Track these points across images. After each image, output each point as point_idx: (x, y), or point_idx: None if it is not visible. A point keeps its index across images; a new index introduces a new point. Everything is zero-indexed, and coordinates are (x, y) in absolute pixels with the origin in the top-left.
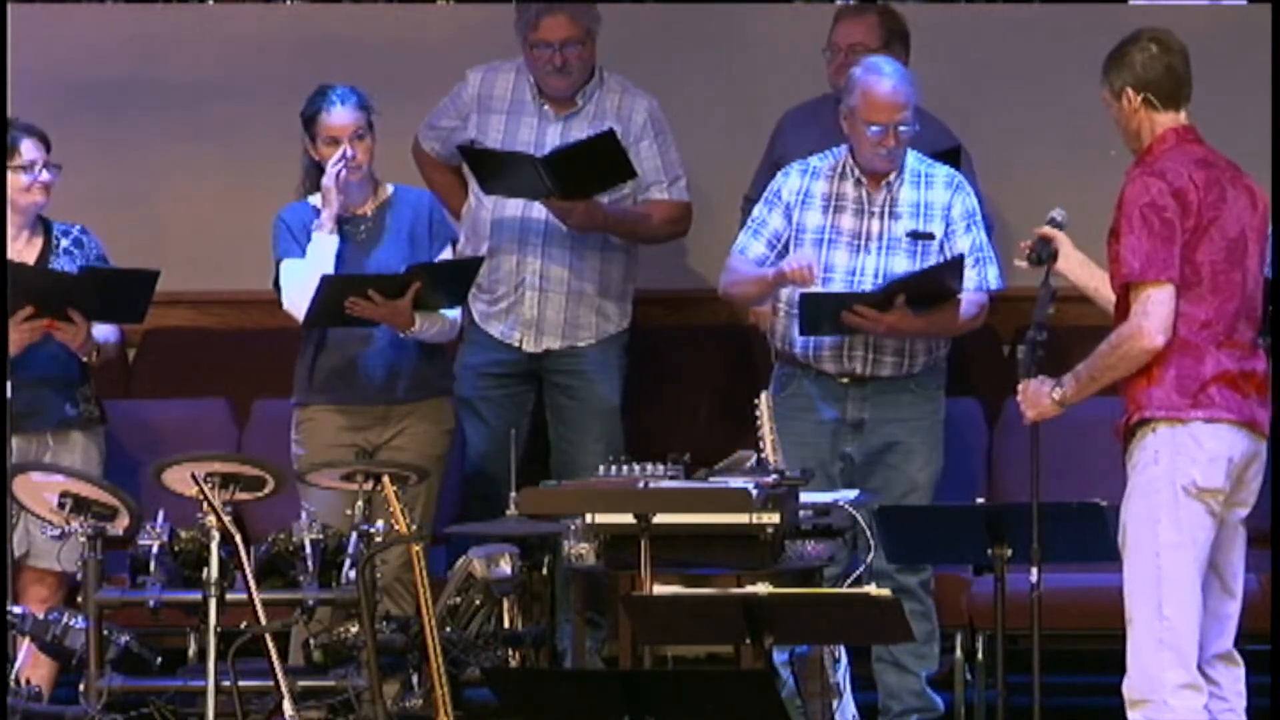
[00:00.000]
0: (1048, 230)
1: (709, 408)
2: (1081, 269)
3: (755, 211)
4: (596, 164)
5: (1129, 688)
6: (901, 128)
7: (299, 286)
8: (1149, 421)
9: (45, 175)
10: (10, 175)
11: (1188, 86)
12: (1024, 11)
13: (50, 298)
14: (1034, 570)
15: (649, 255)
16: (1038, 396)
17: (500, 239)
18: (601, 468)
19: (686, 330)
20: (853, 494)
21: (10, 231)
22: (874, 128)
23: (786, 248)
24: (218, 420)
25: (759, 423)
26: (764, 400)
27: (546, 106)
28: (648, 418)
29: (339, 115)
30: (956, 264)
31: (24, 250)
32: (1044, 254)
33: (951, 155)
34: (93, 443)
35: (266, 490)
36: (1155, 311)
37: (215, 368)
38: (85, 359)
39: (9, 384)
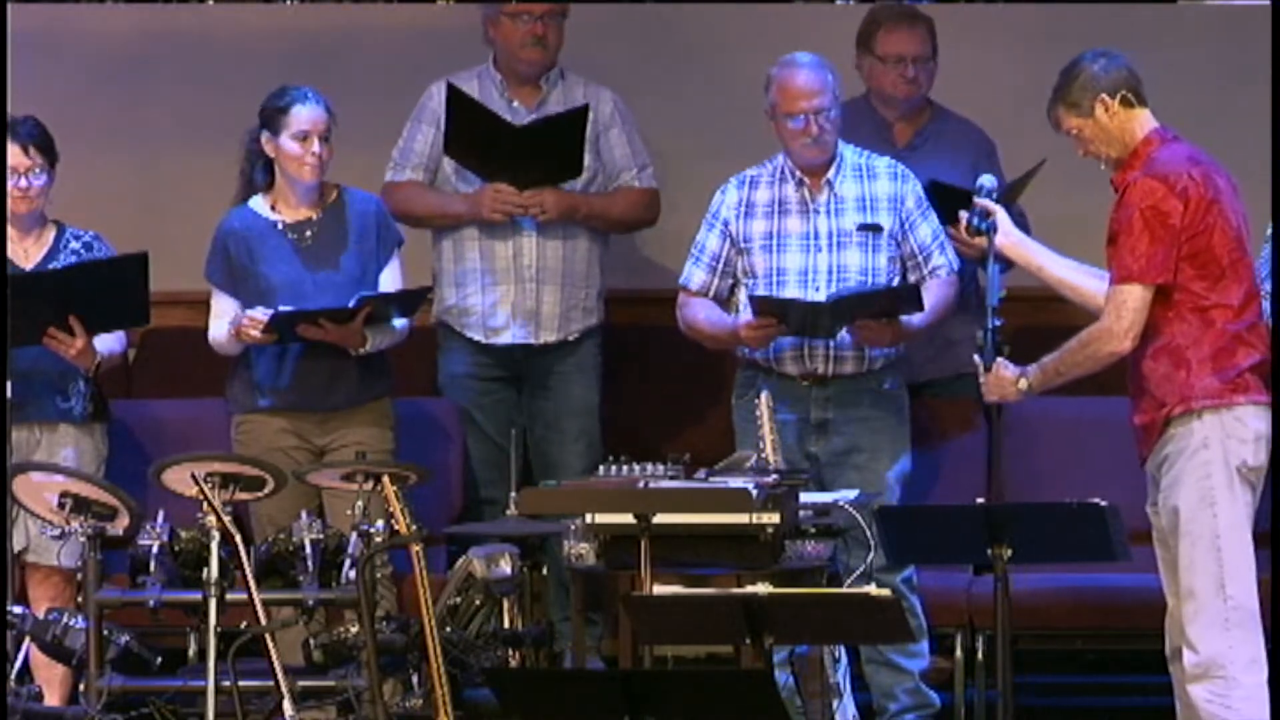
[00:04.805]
0: (986, 202)
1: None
2: (1023, 247)
3: (698, 234)
4: (555, 147)
5: (1194, 664)
6: (822, 114)
7: (220, 328)
8: (1194, 411)
9: (24, 182)
10: None
11: (1143, 87)
12: (1028, 12)
13: (42, 301)
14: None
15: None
16: (1002, 383)
17: (492, 228)
18: (601, 468)
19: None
20: (852, 494)
21: (12, 234)
22: (794, 119)
23: (728, 266)
24: (218, 420)
25: (759, 423)
26: (764, 400)
27: (516, 103)
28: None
29: (313, 111)
30: (912, 292)
31: (30, 249)
32: (982, 224)
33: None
34: (86, 438)
35: (266, 490)
36: (1128, 315)
37: (215, 368)
38: (86, 372)
39: (9, 384)
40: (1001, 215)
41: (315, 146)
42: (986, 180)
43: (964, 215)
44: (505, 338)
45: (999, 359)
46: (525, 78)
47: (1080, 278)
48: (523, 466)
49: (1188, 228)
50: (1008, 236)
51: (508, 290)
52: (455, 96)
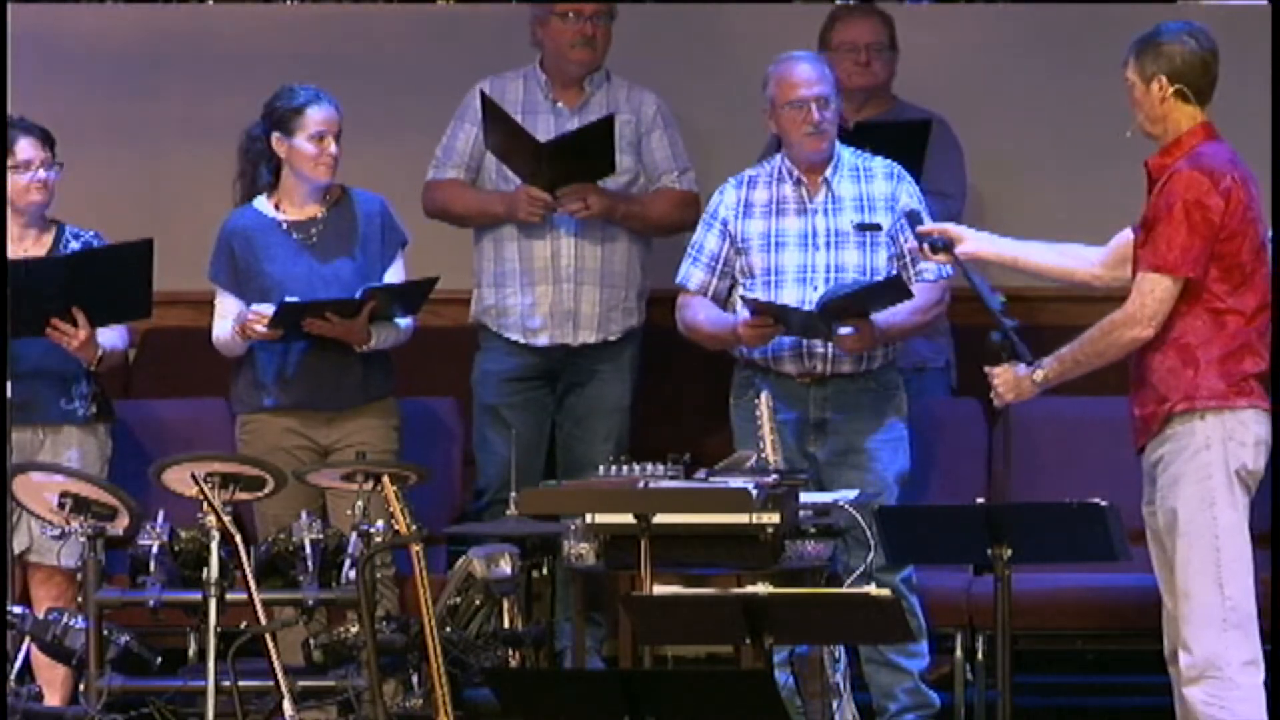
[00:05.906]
0: (926, 228)
1: (703, 407)
2: (992, 245)
3: (695, 234)
4: (585, 153)
5: (1190, 665)
6: (822, 101)
7: (224, 328)
8: (1197, 410)
9: (43, 174)
10: (9, 175)
11: (1214, 87)
12: (1020, 10)
13: (48, 288)
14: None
15: (665, 256)
16: (1018, 380)
17: (531, 228)
18: (601, 468)
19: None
20: (852, 494)
21: (14, 231)
22: (796, 106)
23: (727, 266)
24: (218, 420)
25: (759, 422)
26: (764, 400)
27: (560, 104)
28: (646, 416)
29: (327, 111)
30: (897, 283)
31: (30, 249)
32: (937, 244)
33: (921, 128)
34: (91, 439)
35: (266, 490)
36: (1152, 304)
37: (216, 367)
38: (88, 365)
39: (9, 383)
40: (954, 228)
41: (331, 147)
42: (906, 206)
43: (911, 244)
44: (543, 339)
45: (1006, 362)
46: (572, 78)
47: (1058, 258)
48: (548, 463)
49: (1224, 227)
50: (975, 242)
51: (545, 291)
52: (487, 105)
